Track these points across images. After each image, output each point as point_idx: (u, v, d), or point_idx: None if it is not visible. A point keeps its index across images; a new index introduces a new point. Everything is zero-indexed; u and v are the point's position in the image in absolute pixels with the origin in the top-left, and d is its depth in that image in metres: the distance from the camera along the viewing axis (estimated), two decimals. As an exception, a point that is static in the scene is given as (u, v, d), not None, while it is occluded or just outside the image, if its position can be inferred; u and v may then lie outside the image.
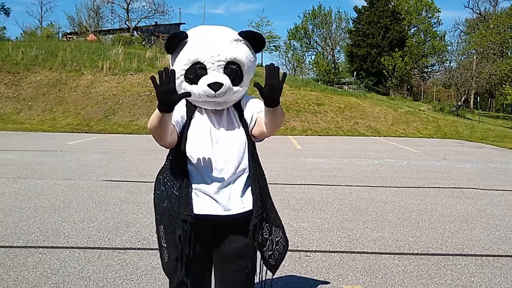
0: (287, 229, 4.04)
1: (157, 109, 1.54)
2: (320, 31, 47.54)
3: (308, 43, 48.99)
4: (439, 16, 46.10)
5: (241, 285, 1.81)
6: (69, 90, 18.05)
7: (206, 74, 1.70)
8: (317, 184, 6.44)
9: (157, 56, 21.92)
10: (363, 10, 37.02)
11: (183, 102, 1.78)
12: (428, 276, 3.08)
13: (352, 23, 39.71)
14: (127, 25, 37.79)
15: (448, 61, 45.89)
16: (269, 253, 1.89)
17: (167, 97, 1.49)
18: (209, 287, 1.90)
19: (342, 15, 46.70)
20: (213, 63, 1.69)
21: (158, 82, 1.49)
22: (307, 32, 47.93)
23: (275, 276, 3.03)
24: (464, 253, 3.60)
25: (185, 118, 1.76)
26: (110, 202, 4.98)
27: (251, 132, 1.81)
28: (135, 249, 3.48)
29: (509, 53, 33.05)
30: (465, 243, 3.85)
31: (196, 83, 1.70)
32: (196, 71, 1.70)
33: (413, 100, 33.15)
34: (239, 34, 1.77)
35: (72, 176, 6.52)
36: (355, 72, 36.62)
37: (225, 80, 1.69)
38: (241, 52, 1.74)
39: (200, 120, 1.78)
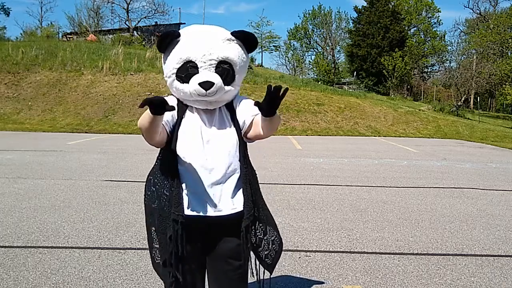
0: (287, 229, 4.06)
1: (148, 111, 1.55)
2: (320, 31, 47.60)
3: (308, 43, 49.03)
4: (439, 16, 46.17)
5: (234, 285, 1.80)
6: (69, 90, 18.05)
7: (198, 73, 1.69)
8: (317, 184, 6.44)
9: (157, 56, 21.90)
10: (363, 10, 37.03)
11: (174, 101, 1.78)
12: (428, 276, 3.08)
13: (352, 23, 39.76)
14: (127, 25, 37.81)
15: (448, 61, 45.97)
16: (266, 252, 1.88)
17: (159, 106, 1.49)
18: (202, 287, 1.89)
19: (342, 15, 46.83)
20: (204, 62, 1.69)
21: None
22: (307, 32, 47.96)
23: (275, 276, 3.04)
24: (464, 253, 3.60)
25: (176, 118, 1.76)
26: (110, 202, 4.98)
27: (245, 134, 1.81)
28: (135, 249, 3.48)
29: (509, 53, 33.05)
30: (465, 243, 3.85)
31: (188, 82, 1.70)
32: (187, 70, 1.70)
33: (413, 100, 33.17)
34: (232, 34, 1.77)
35: (72, 176, 6.52)
36: (355, 72, 36.63)
37: (217, 79, 1.68)
38: (233, 51, 1.74)
39: (191, 119, 1.77)
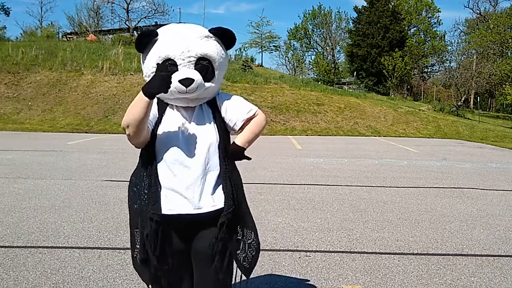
0: (287, 229, 4.06)
1: (141, 97, 1.59)
2: (320, 31, 47.58)
3: (308, 43, 49.02)
4: (439, 16, 46.13)
5: (217, 282, 1.78)
6: (69, 90, 18.05)
7: (177, 70, 1.70)
8: (317, 184, 6.44)
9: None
10: (363, 10, 37.01)
11: (154, 101, 1.78)
12: (428, 276, 3.08)
13: (352, 23, 39.72)
14: (127, 25, 37.84)
15: (448, 61, 45.92)
16: (243, 255, 1.85)
17: (166, 82, 1.59)
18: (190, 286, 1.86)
19: (342, 15, 46.79)
20: (183, 59, 1.70)
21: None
22: (307, 32, 47.95)
23: (275, 276, 3.04)
24: (464, 253, 3.60)
25: (157, 116, 1.77)
26: (110, 202, 4.98)
27: (237, 132, 1.85)
28: (135, 249, 3.47)
29: (509, 53, 33.06)
30: (465, 243, 3.85)
31: None
32: (167, 68, 1.70)
33: (413, 100, 33.18)
34: (209, 31, 1.79)
35: (72, 176, 6.52)
36: (355, 72, 36.63)
37: (196, 76, 1.69)
38: (212, 48, 1.75)
39: (171, 117, 1.78)
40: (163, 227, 1.74)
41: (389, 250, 3.62)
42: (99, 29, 36.73)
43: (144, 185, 1.75)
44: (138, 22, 39.20)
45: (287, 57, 51.30)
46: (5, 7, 40.62)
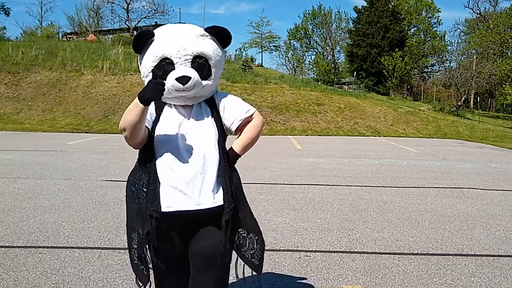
0: (287, 229, 4.06)
1: (137, 103, 1.60)
2: (320, 31, 47.58)
3: (308, 43, 49.02)
4: (439, 16, 46.12)
5: (215, 282, 1.77)
6: (69, 90, 18.05)
7: (174, 69, 1.71)
8: (317, 184, 6.44)
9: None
10: (363, 10, 37.01)
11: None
12: (428, 276, 3.08)
13: (352, 23, 39.71)
14: (127, 25, 37.85)
15: (448, 61, 45.91)
16: (251, 252, 1.85)
17: (159, 90, 1.60)
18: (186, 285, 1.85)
19: (342, 15, 46.78)
20: (180, 58, 1.72)
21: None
22: (307, 32, 47.95)
23: (275, 276, 3.04)
24: (464, 253, 3.60)
25: (154, 115, 1.78)
26: (110, 202, 4.98)
27: (235, 132, 1.86)
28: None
29: (509, 53, 33.04)
30: (465, 243, 3.85)
31: (165, 79, 1.71)
32: (164, 67, 1.72)
33: (413, 100, 33.17)
34: (205, 29, 1.80)
35: (72, 176, 6.52)
36: (355, 72, 36.62)
37: (193, 74, 1.70)
38: (207, 46, 1.77)
39: (169, 114, 1.79)
40: (163, 225, 1.73)
41: (389, 250, 3.62)
42: (99, 29, 36.74)
43: (143, 183, 1.75)
44: (138, 22, 39.24)
45: (287, 57, 51.35)
46: (5, 7, 40.62)
